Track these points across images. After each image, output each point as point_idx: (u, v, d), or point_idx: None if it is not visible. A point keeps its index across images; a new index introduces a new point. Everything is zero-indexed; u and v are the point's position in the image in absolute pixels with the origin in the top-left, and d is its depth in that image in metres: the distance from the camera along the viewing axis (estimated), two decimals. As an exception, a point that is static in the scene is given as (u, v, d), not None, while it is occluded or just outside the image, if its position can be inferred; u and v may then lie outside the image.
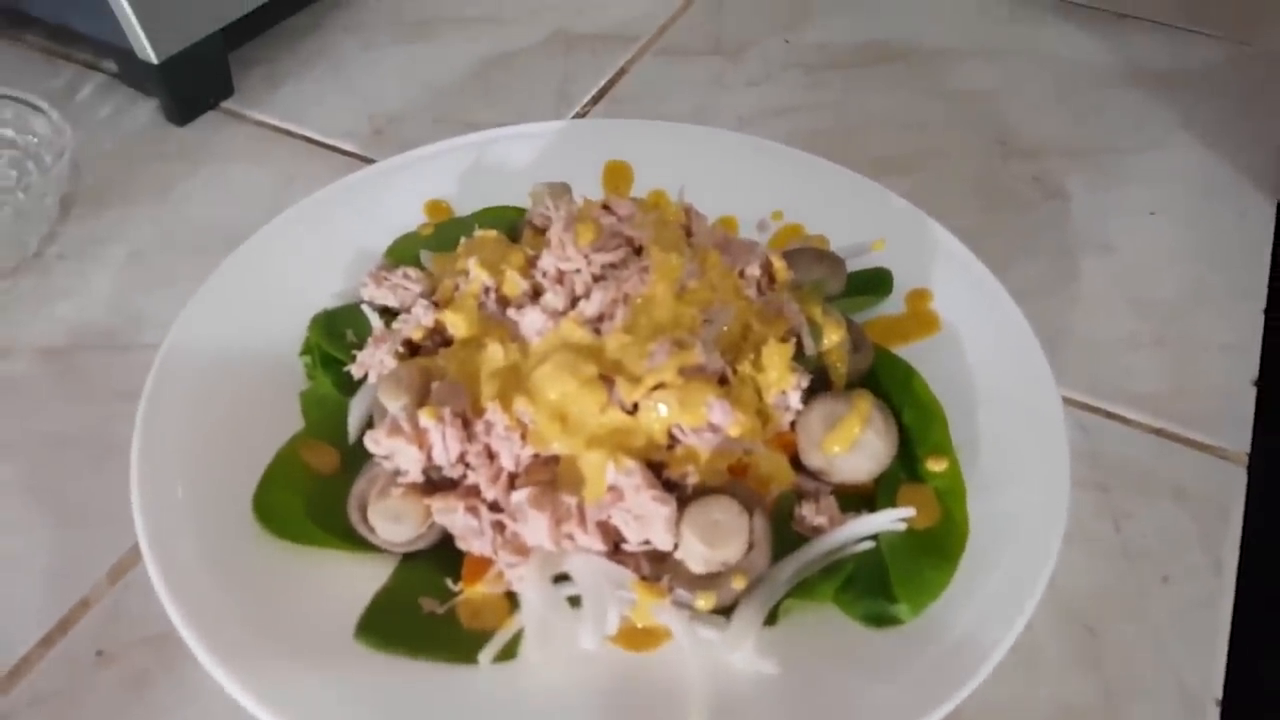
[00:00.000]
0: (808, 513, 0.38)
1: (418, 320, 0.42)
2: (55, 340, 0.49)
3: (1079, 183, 0.59)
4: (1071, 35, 0.71)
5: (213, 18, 0.59)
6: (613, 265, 0.41)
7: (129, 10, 0.55)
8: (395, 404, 0.38)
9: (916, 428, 0.41)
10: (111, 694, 0.37)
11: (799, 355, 0.41)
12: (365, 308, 0.45)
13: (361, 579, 0.37)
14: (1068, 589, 0.40)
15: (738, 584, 0.35)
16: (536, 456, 0.38)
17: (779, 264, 0.44)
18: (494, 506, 0.37)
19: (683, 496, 0.37)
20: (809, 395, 0.40)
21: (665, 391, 0.37)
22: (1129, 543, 0.42)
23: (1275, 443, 0.46)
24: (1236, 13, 0.73)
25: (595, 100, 0.64)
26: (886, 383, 0.43)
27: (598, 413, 0.37)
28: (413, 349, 0.42)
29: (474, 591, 0.37)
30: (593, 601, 0.36)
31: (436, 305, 0.43)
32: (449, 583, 0.37)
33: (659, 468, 0.38)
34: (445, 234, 0.48)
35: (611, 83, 0.66)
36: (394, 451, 0.38)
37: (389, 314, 0.45)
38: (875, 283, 0.47)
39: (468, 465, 0.38)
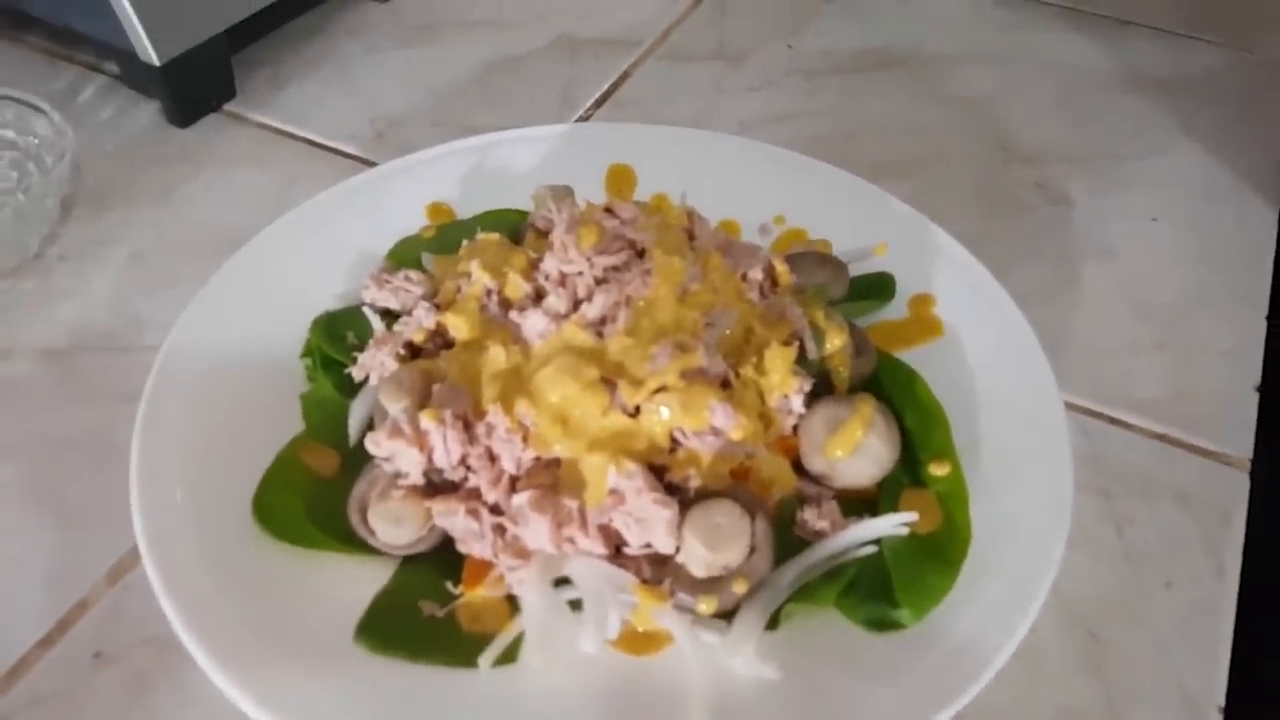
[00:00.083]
0: (810, 517, 0.38)
1: (419, 322, 0.42)
2: (56, 342, 0.49)
3: (1080, 188, 0.59)
4: (1072, 41, 0.71)
5: (215, 20, 0.59)
6: (615, 268, 0.41)
7: (131, 12, 0.55)
8: (396, 406, 0.38)
9: (919, 432, 0.41)
10: (110, 695, 0.37)
11: (801, 359, 0.41)
12: (366, 310, 0.45)
13: (361, 582, 0.37)
14: (1070, 593, 0.40)
15: (739, 588, 0.35)
16: (538, 459, 0.38)
17: (781, 268, 0.44)
18: (495, 509, 0.37)
19: (684, 500, 0.37)
20: (811, 399, 0.40)
21: (667, 394, 0.37)
22: (1131, 547, 0.42)
23: (1278, 448, 0.46)
24: (1237, 20, 0.73)
25: (598, 104, 0.64)
26: (889, 387, 0.42)
27: (599, 415, 0.37)
28: (414, 351, 0.42)
29: (474, 595, 0.37)
30: (594, 605, 0.36)
31: (438, 307, 0.43)
32: (449, 586, 0.37)
33: (661, 471, 0.37)
34: (447, 237, 0.48)
35: (614, 87, 0.66)
36: (395, 454, 0.38)
37: (390, 316, 0.45)
38: (878, 287, 0.47)
39: (469, 468, 0.38)
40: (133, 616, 0.39)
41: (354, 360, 0.42)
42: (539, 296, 0.41)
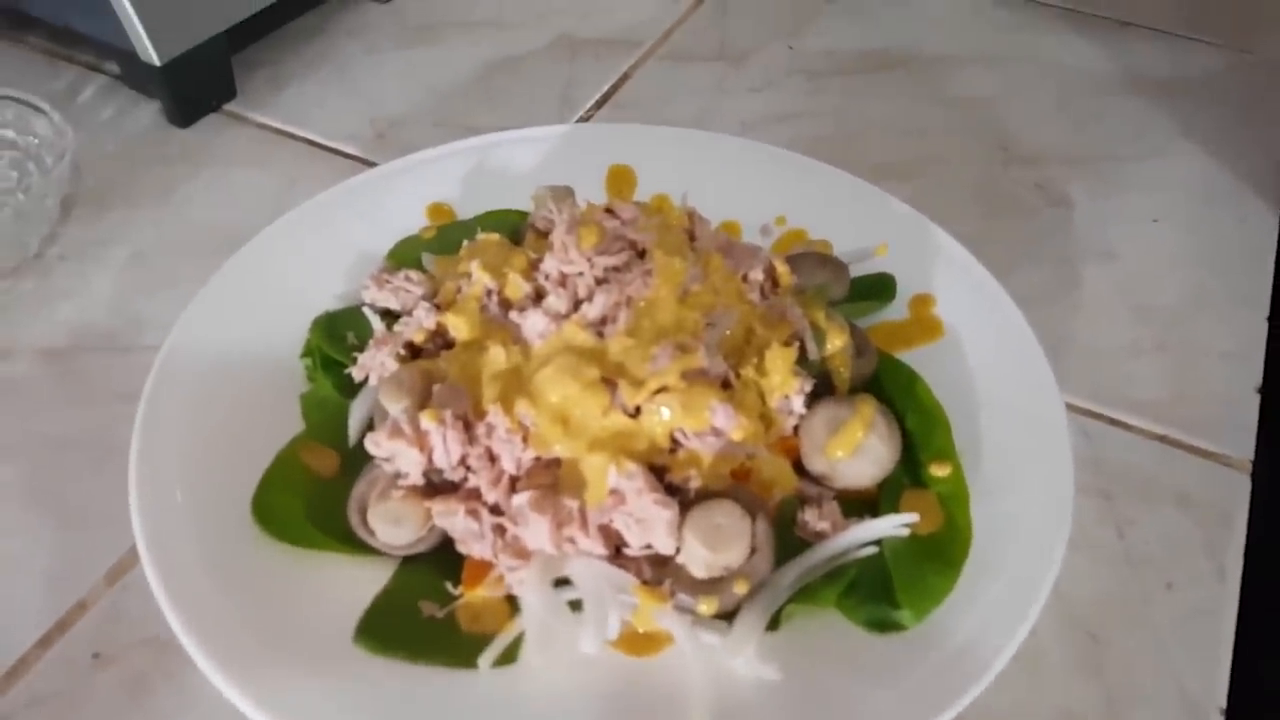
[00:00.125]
0: (810, 518, 0.38)
1: (419, 323, 0.42)
2: (56, 342, 0.49)
3: (1080, 189, 0.59)
4: (1072, 42, 0.71)
5: (215, 20, 0.59)
6: (615, 268, 0.41)
7: (131, 12, 0.55)
8: (396, 406, 0.38)
9: (920, 433, 0.41)
10: (109, 696, 0.37)
11: (802, 359, 0.41)
12: (367, 310, 0.45)
13: (361, 582, 0.37)
14: (1070, 595, 0.40)
15: (740, 589, 0.35)
16: (538, 459, 0.37)
17: (782, 268, 0.44)
18: (495, 509, 0.37)
19: (685, 500, 0.37)
20: (812, 400, 0.40)
21: (668, 395, 0.37)
22: (1132, 549, 0.42)
23: (1279, 450, 0.46)
24: (1237, 21, 0.73)
25: (599, 105, 0.64)
26: (890, 388, 0.42)
27: (600, 416, 0.37)
28: (414, 352, 0.42)
29: (474, 595, 0.37)
30: (594, 606, 0.35)
31: (438, 308, 0.43)
32: (449, 586, 0.37)
33: (661, 471, 0.37)
34: (447, 237, 0.48)
35: (615, 88, 0.66)
36: (395, 454, 0.38)
37: (390, 316, 0.45)
38: (878, 288, 0.47)
39: (469, 468, 0.38)
40: (132, 617, 0.39)
41: (354, 360, 0.42)
42: (539, 297, 0.41)
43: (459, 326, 0.41)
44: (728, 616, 0.36)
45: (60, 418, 0.45)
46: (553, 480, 0.37)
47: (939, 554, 0.37)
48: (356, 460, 0.39)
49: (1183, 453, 0.46)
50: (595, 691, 0.34)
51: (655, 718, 0.34)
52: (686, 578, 0.36)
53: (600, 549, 0.36)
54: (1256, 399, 0.48)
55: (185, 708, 0.36)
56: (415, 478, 0.38)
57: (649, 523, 0.36)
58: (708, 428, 0.37)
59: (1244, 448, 0.46)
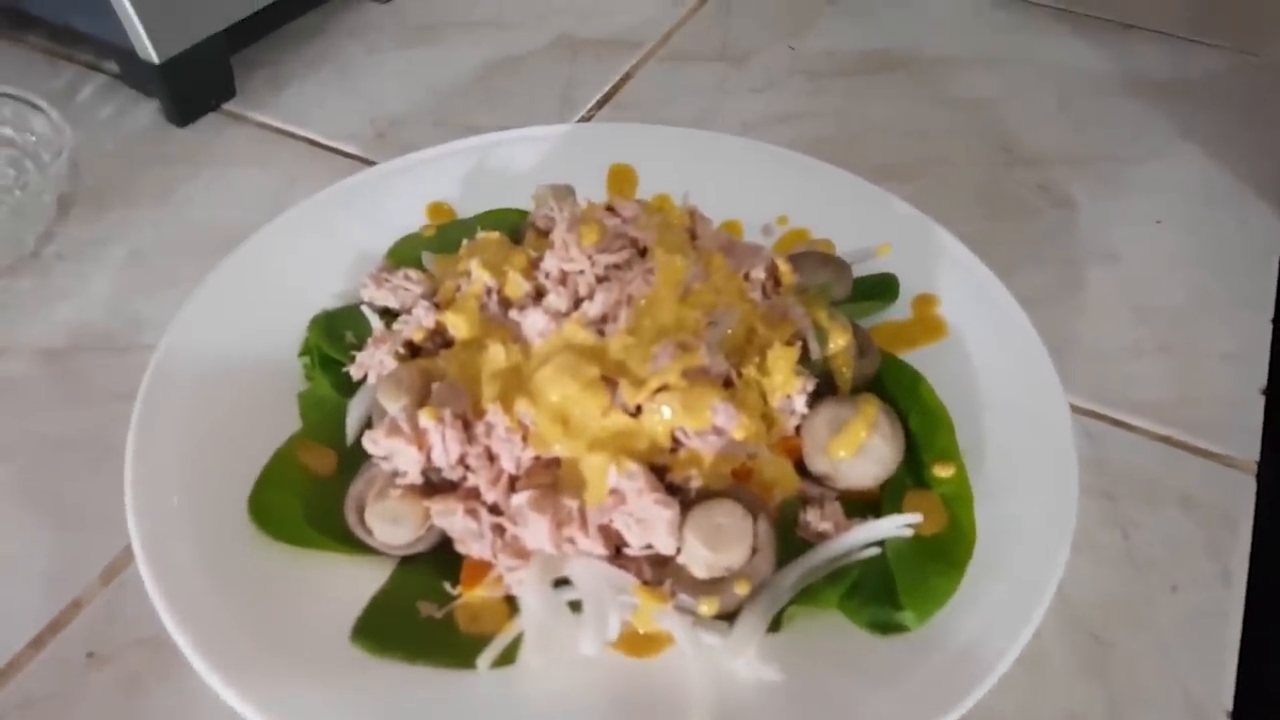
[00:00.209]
0: (812, 518, 0.38)
1: (418, 321, 0.42)
2: (54, 341, 0.49)
3: (1082, 191, 0.59)
4: (1074, 44, 0.71)
5: (215, 19, 0.59)
6: (616, 267, 0.41)
7: (131, 11, 0.55)
8: (395, 405, 0.38)
9: (923, 433, 0.41)
10: (103, 696, 0.36)
11: (804, 359, 0.40)
12: (365, 309, 0.45)
13: (359, 582, 0.37)
14: (1074, 597, 0.40)
15: (741, 589, 0.35)
16: (537, 459, 0.37)
17: (784, 267, 0.43)
18: (494, 509, 0.37)
19: (686, 500, 0.37)
20: (814, 399, 0.40)
21: (669, 394, 0.37)
22: (1136, 551, 0.42)
23: (1284, 451, 0.46)
24: (1239, 23, 0.73)
25: (599, 105, 0.64)
26: (892, 388, 0.42)
27: (600, 415, 0.37)
28: (413, 350, 0.42)
29: (473, 595, 0.36)
30: (593, 606, 0.35)
31: (438, 306, 0.43)
32: (447, 586, 0.37)
33: (662, 471, 0.37)
34: (447, 236, 0.48)
35: (616, 88, 0.65)
36: (393, 452, 0.37)
37: (389, 315, 0.45)
38: (881, 287, 0.47)
39: (468, 467, 0.38)
40: (127, 616, 0.38)
41: (352, 359, 0.42)
42: (539, 295, 0.41)
43: (458, 325, 0.40)
44: (729, 617, 0.35)
45: (57, 417, 0.45)
46: (552, 480, 0.37)
47: (942, 555, 0.37)
48: (354, 459, 0.39)
49: (1187, 454, 0.46)
50: (595, 693, 0.34)
51: (655, 719, 0.33)
52: (687, 578, 0.36)
53: (600, 549, 0.36)
54: (1261, 400, 0.48)
55: (180, 708, 0.36)
56: (413, 476, 0.37)
57: (649, 523, 0.36)
58: (709, 427, 0.37)
59: (1248, 449, 0.46)
